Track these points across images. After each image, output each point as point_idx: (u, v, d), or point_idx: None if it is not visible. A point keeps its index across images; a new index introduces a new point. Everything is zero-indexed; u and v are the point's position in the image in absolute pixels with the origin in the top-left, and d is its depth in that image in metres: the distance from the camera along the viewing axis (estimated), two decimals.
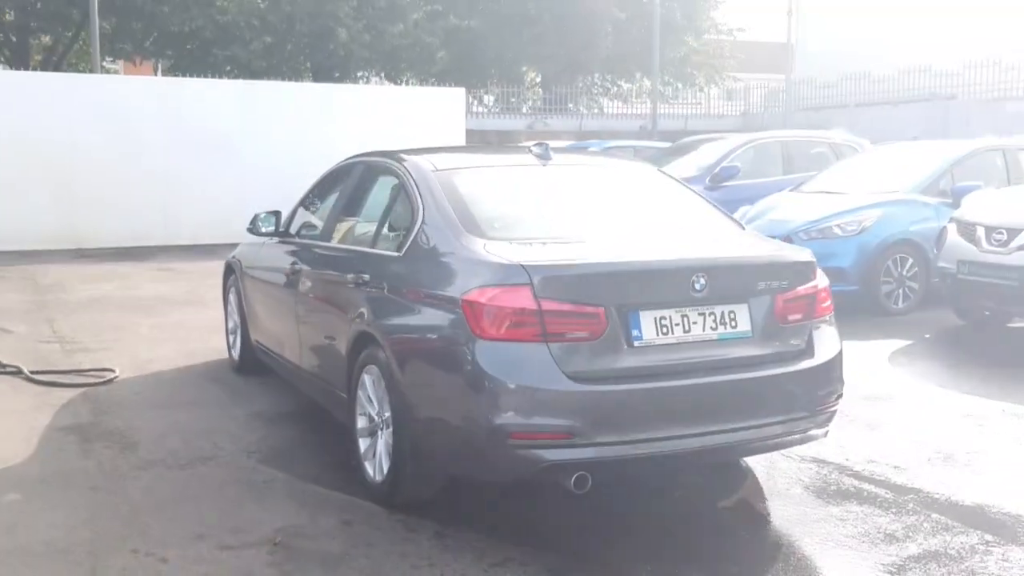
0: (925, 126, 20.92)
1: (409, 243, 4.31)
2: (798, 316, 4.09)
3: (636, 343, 3.75)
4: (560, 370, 3.62)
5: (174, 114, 15.78)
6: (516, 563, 3.75)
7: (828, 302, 4.27)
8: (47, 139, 14.88)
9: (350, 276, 4.61)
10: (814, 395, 4.05)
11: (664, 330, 3.81)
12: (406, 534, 4.02)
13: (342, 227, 5.27)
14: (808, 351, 4.10)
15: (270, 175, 15.36)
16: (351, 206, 5.32)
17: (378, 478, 4.29)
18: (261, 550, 3.86)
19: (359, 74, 28.06)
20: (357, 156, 5.63)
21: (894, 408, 6.01)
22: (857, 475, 4.76)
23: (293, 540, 3.96)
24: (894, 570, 3.70)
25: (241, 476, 4.75)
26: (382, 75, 28.35)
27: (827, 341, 4.20)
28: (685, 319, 3.85)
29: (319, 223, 5.59)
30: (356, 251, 4.89)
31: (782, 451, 4.96)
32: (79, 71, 24.59)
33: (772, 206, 10.04)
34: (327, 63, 24.90)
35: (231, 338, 7.06)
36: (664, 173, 5.20)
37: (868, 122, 22.09)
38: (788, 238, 9.14)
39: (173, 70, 25.42)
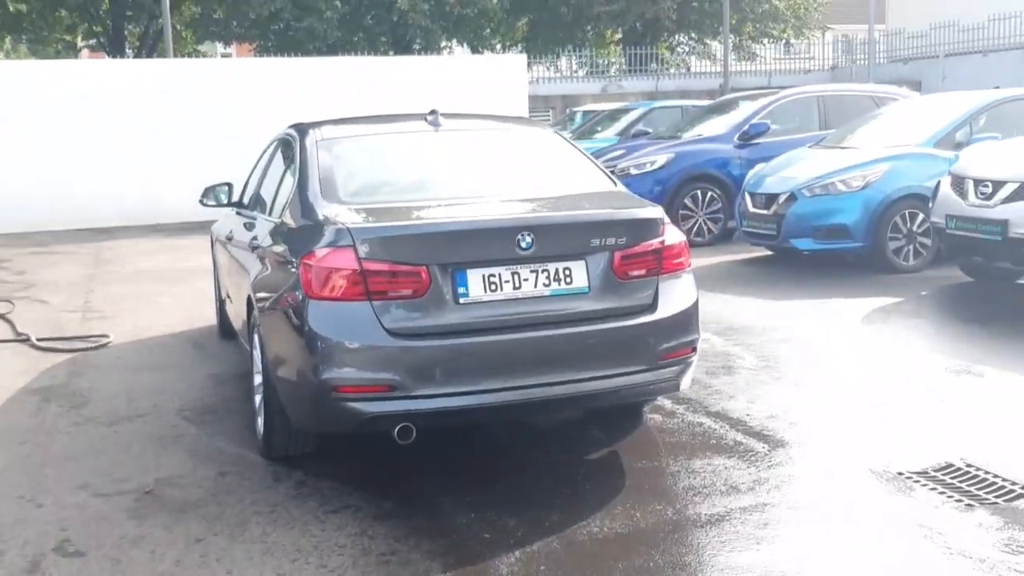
0: (1017, 75, 19.91)
1: (282, 210, 4.56)
2: (640, 272, 4.14)
3: (462, 300, 3.89)
4: (382, 327, 3.80)
5: (253, 93, 16.36)
6: (352, 509, 3.97)
7: (681, 258, 4.30)
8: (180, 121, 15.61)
9: (248, 243, 4.90)
10: (655, 349, 4.10)
11: (493, 287, 3.93)
12: (271, 483, 4.28)
13: (260, 196, 5.55)
14: (652, 306, 4.15)
15: None
16: (267, 177, 5.58)
17: (261, 432, 4.55)
18: (129, 497, 4.17)
19: (443, 45, 28.48)
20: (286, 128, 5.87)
21: (834, 366, 5.94)
22: (746, 429, 4.79)
23: (165, 489, 4.26)
24: (707, 522, 3.74)
25: (158, 432, 5.08)
26: (464, 44, 28.68)
27: (676, 296, 4.24)
28: (516, 276, 3.96)
29: (250, 193, 5.88)
30: (254, 219, 5.18)
31: (688, 406, 5.08)
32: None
33: (785, 163, 9.85)
34: (403, 35, 25.28)
35: (216, 304, 7.46)
36: (561, 137, 5.25)
37: (958, 72, 21.14)
38: (792, 195, 9.03)
39: (260, 52, 26.31)
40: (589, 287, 4.06)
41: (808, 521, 3.75)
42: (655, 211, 4.31)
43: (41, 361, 6.82)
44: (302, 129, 5.04)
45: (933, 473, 4.19)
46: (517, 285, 3.96)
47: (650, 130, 13.96)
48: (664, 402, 5.27)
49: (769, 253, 10.00)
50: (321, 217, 4.14)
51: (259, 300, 4.47)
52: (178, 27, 27.26)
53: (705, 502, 3.93)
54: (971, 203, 7.26)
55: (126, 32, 23.94)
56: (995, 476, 4.11)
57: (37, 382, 6.24)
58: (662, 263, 4.21)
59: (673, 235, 4.30)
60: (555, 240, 4.02)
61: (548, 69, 26.47)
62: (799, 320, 7.14)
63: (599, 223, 4.15)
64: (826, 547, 3.54)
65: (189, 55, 27.04)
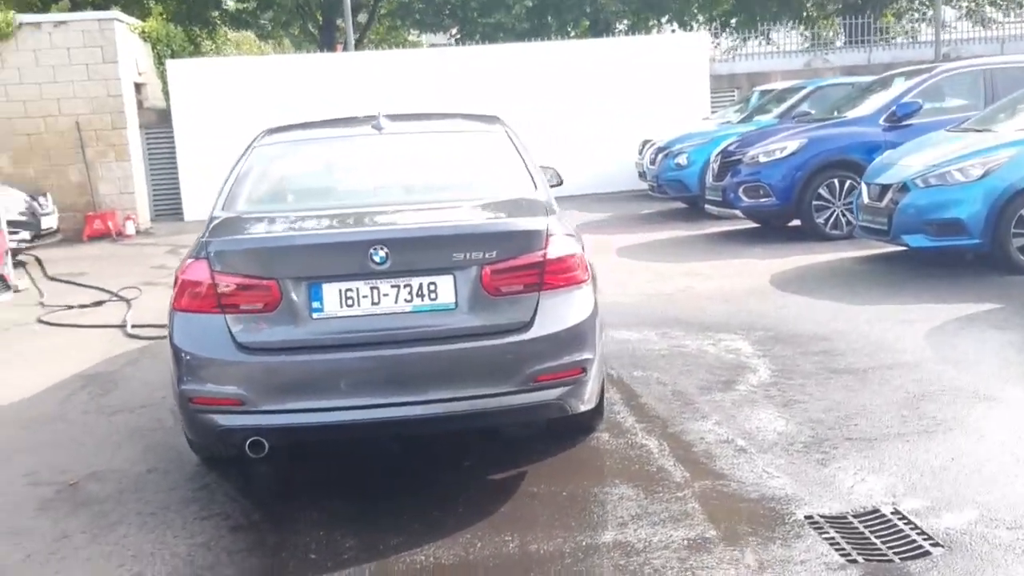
0: None
1: None
2: (516, 287, 3.92)
3: (315, 315, 3.85)
4: (233, 340, 3.84)
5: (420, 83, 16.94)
6: (220, 517, 4.08)
7: (570, 272, 4.02)
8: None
9: None
10: (526, 370, 3.87)
11: (349, 302, 3.86)
12: (179, 484, 4.47)
13: None
14: (528, 324, 3.92)
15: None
16: None
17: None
18: (52, 489, 4.48)
19: (650, 23, 27.94)
20: None
21: (852, 386, 5.36)
22: (684, 456, 4.46)
23: (89, 483, 4.54)
24: (544, 559, 3.52)
25: (142, 424, 5.40)
26: (674, 24, 28.01)
27: (560, 313, 3.98)
28: (375, 291, 3.87)
29: None
30: None
31: (649, 425, 4.85)
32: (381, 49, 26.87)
33: (911, 148, 8.94)
34: (594, 18, 25.10)
35: None
36: (509, 139, 5.01)
37: None
38: (904, 186, 8.22)
39: (459, 41, 27.03)
40: (456, 303, 3.90)
41: (647, 565, 3.43)
42: (535, 223, 4.06)
43: (119, 347, 7.38)
44: (260, 133, 5.16)
45: (850, 519, 3.73)
46: (376, 300, 3.87)
47: (812, 111, 13.03)
48: (626, 419, 5.00)
49: (897, 249, 9.12)
50: (208, 227, 4.23)
51: None
52: (383, 20, 28.64)
53: (564, 535, 3.70)
54: None
55: (338, 23, 25.20)
56: (915, 528, 3.60)
57: (95, 368, 6.77)
58: (544, 278, 3.97)
59: (561, 248, 4.03)
60: (413, 254, 3.89)
61: (759, 45, 25.32)
62: (862, 328, 6.49)
63: (463, 236, 3.97)
64: None
65: (400, 46, 28.15)
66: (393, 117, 5.09)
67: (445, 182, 4.78)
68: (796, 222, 10.87)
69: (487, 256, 3.89)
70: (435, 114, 5.97)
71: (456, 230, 4.05)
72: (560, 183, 5.92)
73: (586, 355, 4.02)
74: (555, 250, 4.00)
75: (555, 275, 3.99)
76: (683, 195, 13.90)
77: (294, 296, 3.84)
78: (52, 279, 11.06)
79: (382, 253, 3.82)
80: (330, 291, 3.86)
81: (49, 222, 13.22)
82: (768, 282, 8.36)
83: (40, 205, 13.07)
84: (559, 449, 4.63)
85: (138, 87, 16.94)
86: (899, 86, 11.10)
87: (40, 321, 8.64)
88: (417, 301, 3.89)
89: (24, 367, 6.95)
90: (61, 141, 15.72)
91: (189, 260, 4.01)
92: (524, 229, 4.03)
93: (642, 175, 15.40)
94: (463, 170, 4.88)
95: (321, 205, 4.51)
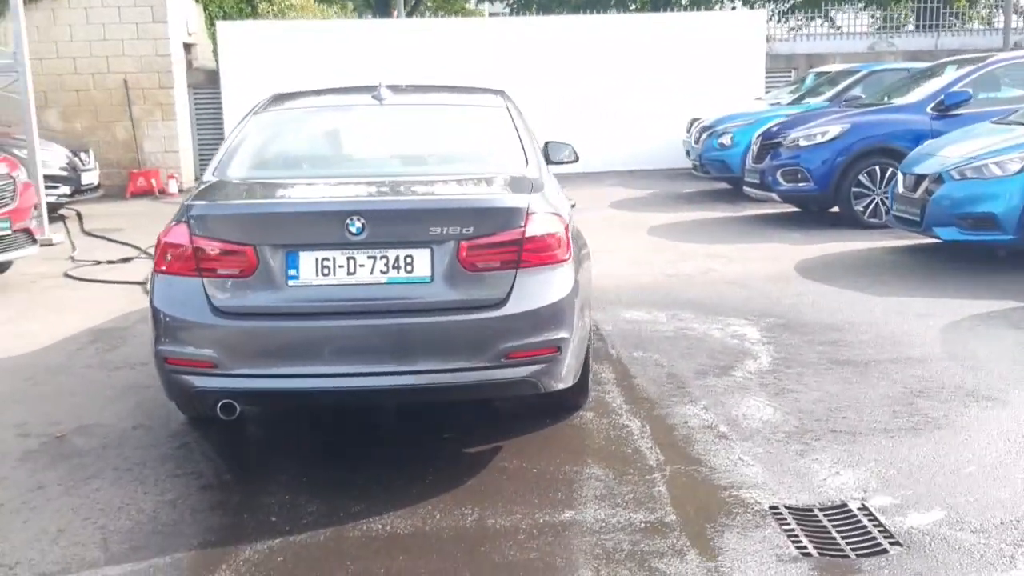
0: None
1: None
2: (493, 264, 3.90)
3: (291, 282, 3.88)
4: (209, 304, 3.88)
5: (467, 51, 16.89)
6: (193, 476, 4.15)
7: (549, 251, 3.98)
8: None
9: None
10: (498, 346, 3.86)
11: (325, 271, 3.88)
12: (160, 441, 4.55)
13: None
14: (503, 301, 3.90)
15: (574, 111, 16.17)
16: None
17: None
18: (39, 440, 4.58)
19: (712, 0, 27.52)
20: None
21: (851, 378, 5.26)
22: (663, 439, 4.42)
23: (75, 436, 4.64)
24: (499, 533, 3.53)
25: (139, 380, 5.48)
26: (737, 1, 27.53)
27: (537, 291, 3.95)
28: (351, 261, 3.88)
29: None
30: None
31: (635, 407, 4.82)
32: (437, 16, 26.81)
33: (952, 139, 8.70)
34: None
35: None
36: (507, 113, 4.97)
37: None
38: (939, 177, 8.01)
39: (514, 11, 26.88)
40: (432, 277, 3.89)
41: (598, 546, 3.41)
42: (515, 200, 4.02)
43: (136, 304, 7.47)
44: (264, 99, 5.18)
45: (815, 512, 3.67)
46: (352, 271, 3.88)
47: (863, 95, 12.73)
48: (615, 400, 4.97)
49: (932, 241, 8.88)
50: (194, 191, 4.28)
51: None
52: None
53: (524, 512, 3.69)
54: None
55: None
56: (878, 525, 3.53)
57: (108, 323, 6.91)
58: (521, 256, 3.94)
59: (541, 226, 3.98)
60: (390, 226, 3.88)
61: (821, 26, 24.79)
62: (876, 320, 6.36)
63: (441, 211, 3.96)
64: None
65: (457, 14, 28.09)
66: (395, 88, 5.08)
67: (436, 154, 4.77)
68: (836, 209, 10.65)
69: (464, 231, 3.87)
70: (439, 86, 5.95)
71: (434, 204, 4.04)
72: (575, 160, 5.85)
73: (562, 334, 3.99)
74: (535, 228, 3.96)
75: (533, 253, 3.95)
76: (726, 176, 13.71)
77: (271, 263, 3.87)
78: (88, 234, 11.30)
79: (359, 224, 3.83)
80: (306, 259, 3.88)
81: (90, 178, 13.44)
82: (793, 268, 8.22)
83: (82, 161, 13.28)
84: (541, 426, 4.62)
85: (188, 47, 17.13)
86: (950, 74, 10.80)
87: (66, 275, 8.83)
88: (393, 273, 3.89)
89: (42, 320, 7.11)
90: (109, 98, 15.99)
91: (171, 223, 4.06)
92: (503, 206, 4.00)
93: (688, 154, 15.22)
94: (456, 143, 4.86)
95: (309, 174, 4.54)
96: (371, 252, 3.88)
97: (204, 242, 3.90)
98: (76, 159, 13.10)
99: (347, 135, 4.96)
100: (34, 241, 8.63)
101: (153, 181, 15.67)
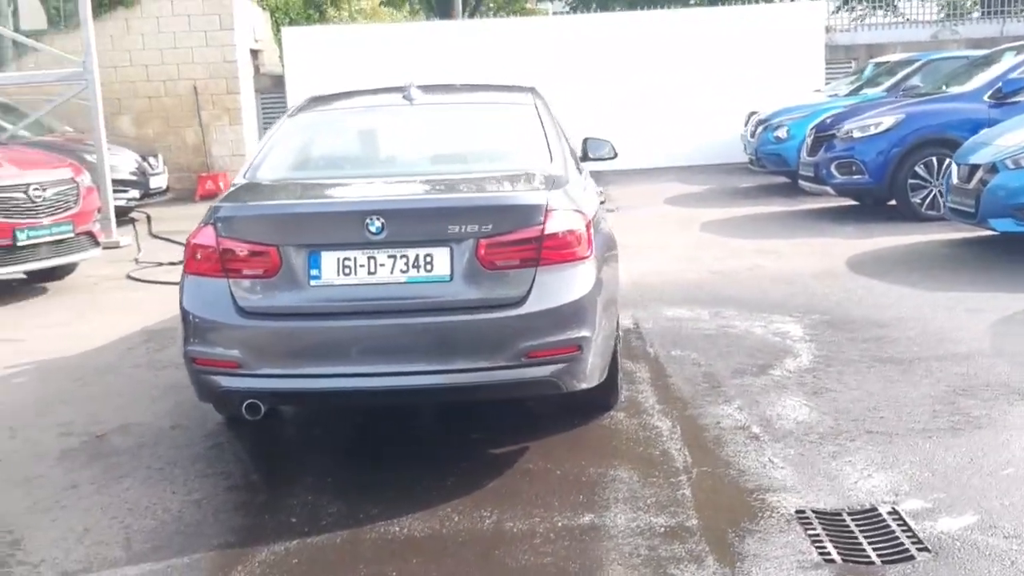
0: None
1: None
2: (512, 262, 3.88)
3: (313, 282, 3.90)
4: (235, 304, 3.93)
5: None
6: (222, 476, 4.20)
7: (570, 248, 3.94)
8: None
9: None
10: (518, 346, 3.83)
11: (347, 271, 3.90)
12: (196, 441, 4.63)
13: None
14: (523, 300, 3.88)
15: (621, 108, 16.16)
16: None
17: None
18: (80, 439, 4.68)
19: None
20: None
21: (893, 377, 5.12)
22: (694, 440, 4.36)
23: (116, 436, 4.73)
24: (514, 538, 3.51)
25: (179, 381, 5.45)
26: None
27: (557, 290, 3.91)
28: (372, 261, 3.89)
29: None
30: None
31: (668, 407, 4.79)
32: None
33: (1010, 127, 8.42)
34: None
35: None
36: (536, 112, 4.92)
37: None
38: (994, 166, 7.77)
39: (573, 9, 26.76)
40: (452, 276, 3.88)
41: (614, 551, 3.37)
42: (534, 197, 3.99)
43: None
44: (301, 102, 5.24)
45: (844, 516, 3.58)
46: (372, 270, 3.90)
47: (921, 85, 12.41)
48: (647, 399, 4.93)
49: (990, 234, 8.62)
50: (225, 194, 4.34)
51: None
52: None
53: (543, 515, 3.66)
54: None
55: None
56: (907, 530, 3.43)
57: (162, 324, 6.94)
58: (541, 253, 3.90)
59: (561, 223, 3.95)
60: (409, 225, 3.89)
61: (884, 15, 24.22)
62: (924, 316, 6.19)
63: (459, 209, 3.95)
64: None
65: (518, 14, 28.08)
66: (426, 88, 5.08)
67: (461, 152, 4.77)
68: (893, 202, 10.40)
69: (483, 229, 3.86)
70: (469, 85, 5.93)
71: (452, 202, 4.04)
72: (614, 156, 5.80)
73: (583, 332, 3.94)
74: (554, 225, 3.93)
75: (553, 250, 3.92)
76: (782, 169, 13.47)
77: (294, 263, 3.90)
78: (154, 236, 11.55)
79: (378, 223, 3.84)
80: (328, 259, 3.90)
81: (158, 182, 13.73)
82: (843, 263, 8.05)
83: (151, 165, 13.59)
84: (570, 426, 4.59)
85: (255, 53, 17.46)
86: (1008, 61, 10.47)
87: (128, 277, 9.03)
88: (412, 272, 3.89)
89: (99, 320, 7.29)
90: (179, 104, 16.40)
91: (200, 225, 4.11)
92: (521, 203, 3.98)
93: (745, 148, 15.01)
94: (482, 141, 4.86)
95: (337, 174, 4.57)
96: (391, 251, 3.89)
97: (230, 243, 3.95)
98: (145, 163, 13.40)
99: (376, 135, 5.01)
100: (97, 244, 8.83)
101: (221, 184, 15.94)
